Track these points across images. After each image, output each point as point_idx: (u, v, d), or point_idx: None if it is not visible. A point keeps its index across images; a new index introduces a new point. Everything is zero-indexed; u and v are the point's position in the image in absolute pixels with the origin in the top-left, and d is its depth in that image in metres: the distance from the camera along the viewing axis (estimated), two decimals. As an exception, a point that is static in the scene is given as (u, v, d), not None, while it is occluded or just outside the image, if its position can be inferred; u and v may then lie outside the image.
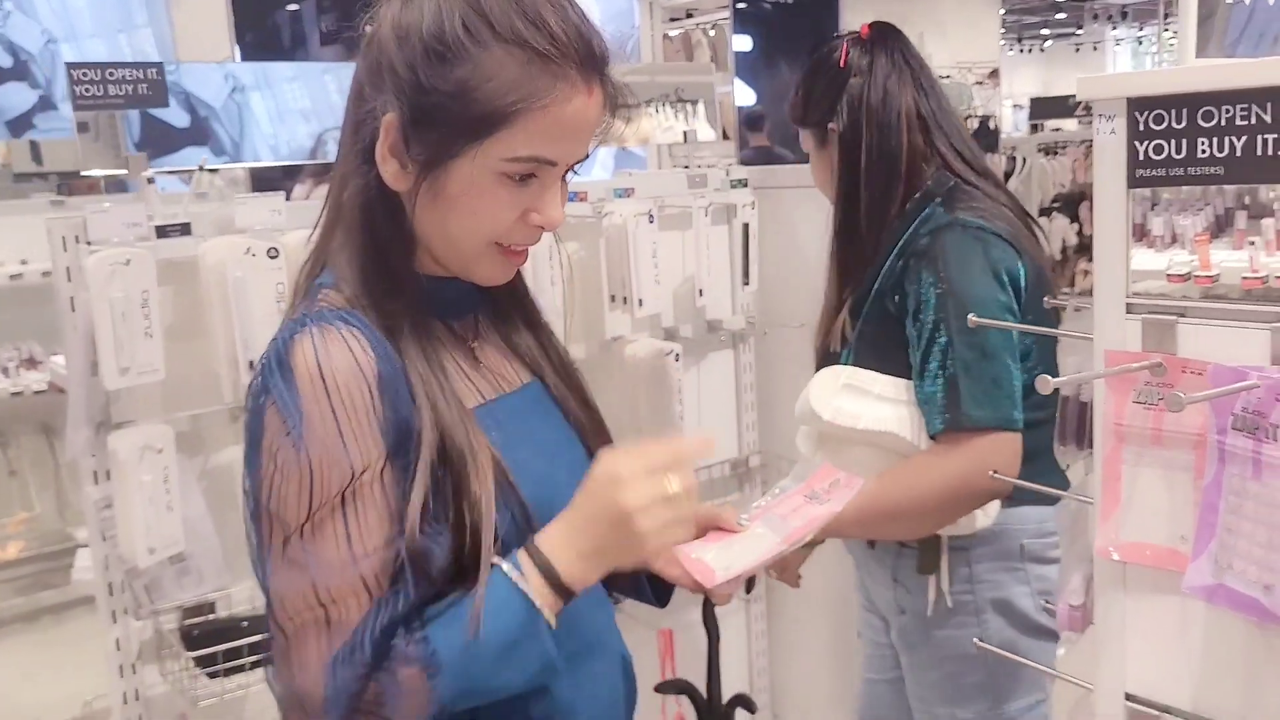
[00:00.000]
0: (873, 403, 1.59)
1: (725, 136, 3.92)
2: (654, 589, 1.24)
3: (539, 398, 1.16)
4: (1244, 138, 0.90)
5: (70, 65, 1.94)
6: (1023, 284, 1.60)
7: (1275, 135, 0.89)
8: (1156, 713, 1.08)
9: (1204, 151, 0.93)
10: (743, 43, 7.34)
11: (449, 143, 0.98)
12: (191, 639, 1.83)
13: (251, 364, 1.77)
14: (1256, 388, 0.91)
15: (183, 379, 1.87)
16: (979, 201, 1.63)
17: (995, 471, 1.49)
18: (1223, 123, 0.91)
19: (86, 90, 1.93)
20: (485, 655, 0.94)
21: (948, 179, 1.67)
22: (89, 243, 1.78)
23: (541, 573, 0.96)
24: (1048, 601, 1.63)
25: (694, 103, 3.21)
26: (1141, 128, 0.96)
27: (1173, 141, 0.94)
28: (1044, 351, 1.66)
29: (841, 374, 1.63)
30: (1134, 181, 0.98)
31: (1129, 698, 1.11)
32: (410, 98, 0.97)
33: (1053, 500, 1.70)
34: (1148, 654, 1.10)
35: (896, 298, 1.61)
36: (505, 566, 0.97)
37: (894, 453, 1.60)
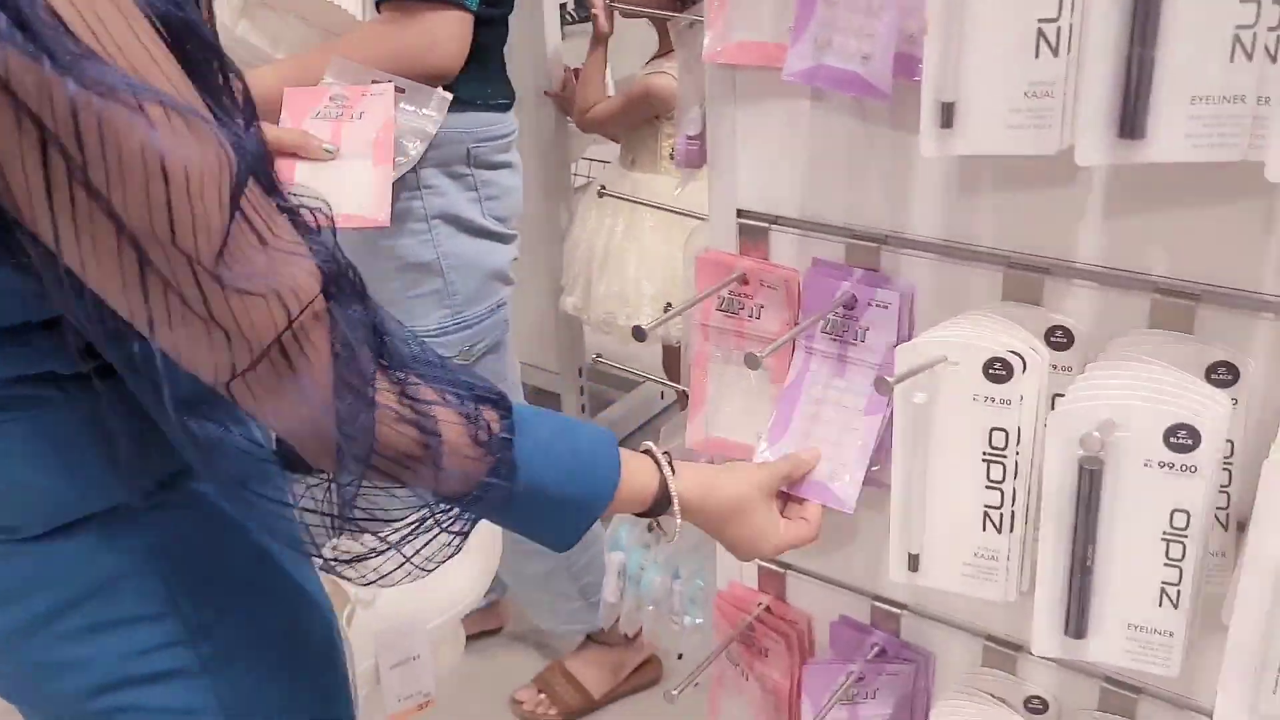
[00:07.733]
0: None
1: None
2: None
3: None
4: None
5: None
6: None
7: None
8: (765, 224, 1.07)
9: None
10: None
11: None
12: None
13: None
14: None
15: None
16: None
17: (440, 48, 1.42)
18: None
19: None
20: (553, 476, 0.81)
21: None
22: None
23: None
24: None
25: None
26: None
27: None
28: None
29: None
30: None
31: (740, 214, 1.08)
32: None
33: (503, 106, 1.66)
34: (758, 168, 1.06)
35: None
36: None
37: (330, 32, 1.48)
